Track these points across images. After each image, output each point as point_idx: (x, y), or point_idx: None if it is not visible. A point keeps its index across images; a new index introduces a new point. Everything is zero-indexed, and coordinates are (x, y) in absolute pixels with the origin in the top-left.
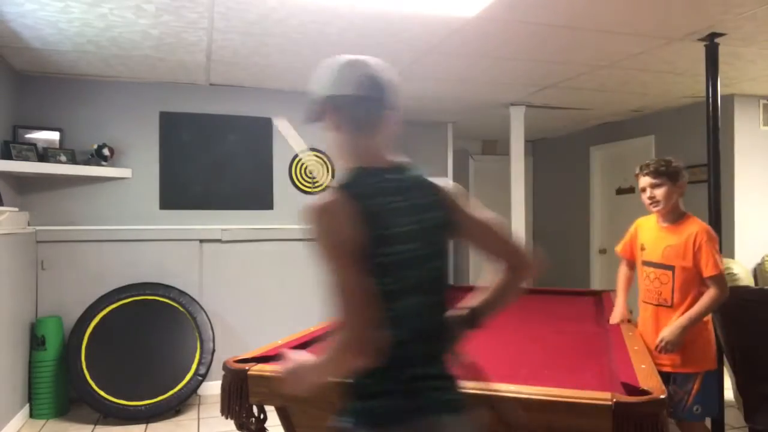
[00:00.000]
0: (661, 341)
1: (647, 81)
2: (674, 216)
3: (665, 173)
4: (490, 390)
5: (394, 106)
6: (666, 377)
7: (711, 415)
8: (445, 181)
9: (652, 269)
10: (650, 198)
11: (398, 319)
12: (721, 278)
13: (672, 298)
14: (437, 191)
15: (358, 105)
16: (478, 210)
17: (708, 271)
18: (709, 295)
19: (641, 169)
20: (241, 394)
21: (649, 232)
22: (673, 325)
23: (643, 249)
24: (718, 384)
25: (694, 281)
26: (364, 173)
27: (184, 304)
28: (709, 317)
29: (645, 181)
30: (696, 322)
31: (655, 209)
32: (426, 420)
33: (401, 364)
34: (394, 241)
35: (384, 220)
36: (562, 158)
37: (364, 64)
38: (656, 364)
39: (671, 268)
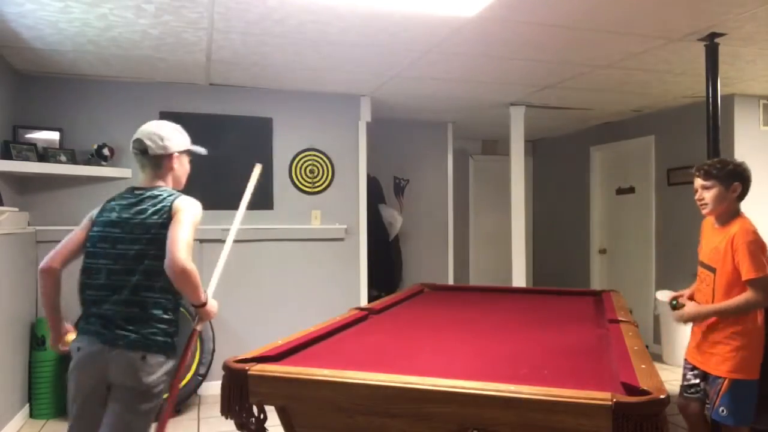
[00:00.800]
0: (683, 311)
1: (647, 81)
2: (726, 218)
3: (716, 176)
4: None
5: (159, 153)
6: (704, 375)
7: (740, 423)
8: (182, 200)
9: (701, 269)
10: (699, 200)
11: (89, 271)
12: (758, 282)
13: (713, 300)
14: (164, 205)
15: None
16: (176, 224)
17: (744, 274)
18: (744, 295)
19: (696, 169)
20: (241, 394)
21: (706, 232)
22: (700, 306)
23: (700, 248)
24: (754, 394)
25: (736, 285)
26: (125, 191)
27: (184, 304)
28: (761, 330)
29: (697, 182)
30: (719, 314)
31: (703, 211)
32: (95, 344)
33: (88, 301)
34: (95, 229)
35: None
36: (562, 158)
37: (140, 128)
38: (695, 360)
39: (713, 270)
